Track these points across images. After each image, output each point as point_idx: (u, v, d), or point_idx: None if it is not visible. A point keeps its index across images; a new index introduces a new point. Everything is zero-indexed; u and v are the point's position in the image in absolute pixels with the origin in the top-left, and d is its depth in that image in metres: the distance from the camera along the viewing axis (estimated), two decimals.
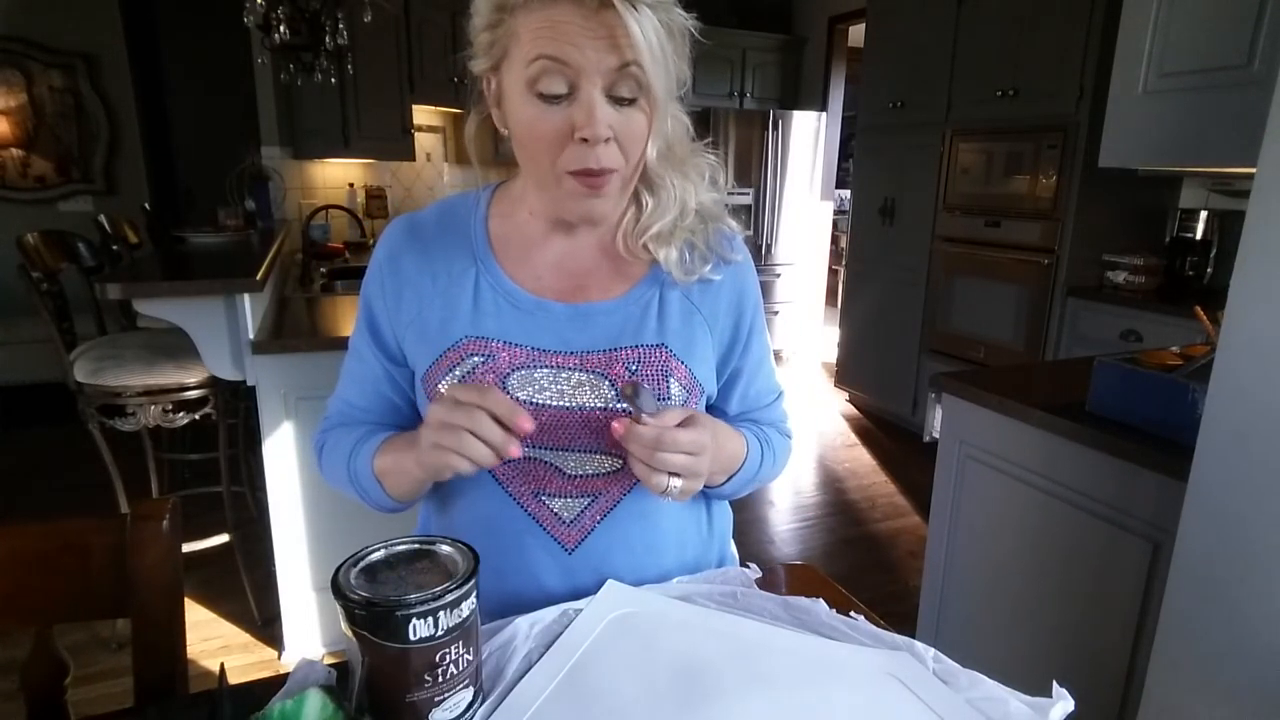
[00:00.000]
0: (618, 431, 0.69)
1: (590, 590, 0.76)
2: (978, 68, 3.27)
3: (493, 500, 0.78)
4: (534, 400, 0.75)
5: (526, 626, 0.69)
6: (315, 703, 0.54)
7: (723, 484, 0.83)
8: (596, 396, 0.76)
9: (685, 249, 0.80)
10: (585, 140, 0.66)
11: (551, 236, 0.80)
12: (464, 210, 0.83)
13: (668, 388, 0.77)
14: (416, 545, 0.59)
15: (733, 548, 0.96)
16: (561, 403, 0.75)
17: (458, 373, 0.75)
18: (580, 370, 0.76)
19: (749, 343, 0.86)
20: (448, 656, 0.54)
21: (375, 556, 0.58)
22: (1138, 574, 1.24)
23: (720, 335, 0.83)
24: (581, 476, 0.77)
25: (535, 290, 0.78)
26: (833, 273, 5.82)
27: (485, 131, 0.78)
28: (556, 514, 0.78)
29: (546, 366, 0.76)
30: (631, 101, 0.66)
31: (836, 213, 5.56)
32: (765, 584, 0.80)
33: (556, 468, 0.77)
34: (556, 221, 0.78)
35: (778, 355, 5.33)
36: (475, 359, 0.75)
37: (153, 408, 1.87)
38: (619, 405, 0.76)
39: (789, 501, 3.13)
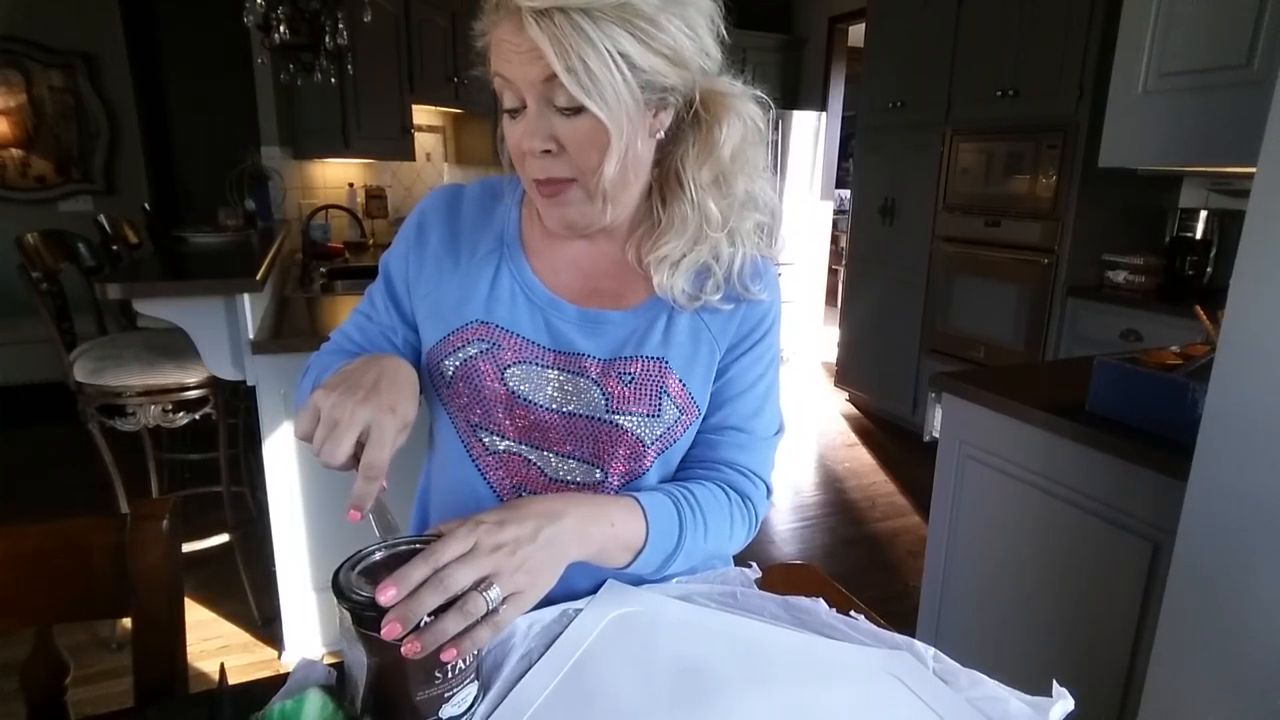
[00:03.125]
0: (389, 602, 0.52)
1: (560, 595, 0.72)
2: (978, 68, 3.27)
3: (474, 491, 0.79)
4: (528, 398, 0.76)
5: (525, 626, 0.69)
6: (315, 703, 0.54)
7: (629, 563, 0.70)
8: (585, 404, 0.76)
9: (697, 274, 0.77)
10: (526, 151, 0.68)
11: (573, 239, 0.80)
12: (502, 193, 0.83)
13: (659, 405, 0.76)
14: (418, 545, 0.59)
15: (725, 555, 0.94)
16: (550, 405, 0.76)
17: (462, 355, 0.76)
18: (579, 375, 0.76)
19: (749, 355, 0.81)
20: None
21: (376, 558, 0.58)
22: (1138, 574, 1.24)
23: (724, 349, 0.80)
24: (560, 481, 0.77)
25: (552, 286, 0.79)
26: (833, 273, 5.81)
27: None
28: None
29: (546, 365, 0.76)
30: (578, 111, 0.65)
31: (836, 212, 5.56)
32: (765, 584, 0.79)
33: (538, 466, 0.77)
34: None
35: (778, 355, 5.32)
36: (480, 344, 0.76)
37: (153, 408, 1.87)
38: (605, 415, 0.75)
39: (789, 501, 3.13)
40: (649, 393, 0.75)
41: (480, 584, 0.54)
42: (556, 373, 0.76)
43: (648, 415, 0.75)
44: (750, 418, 0.81)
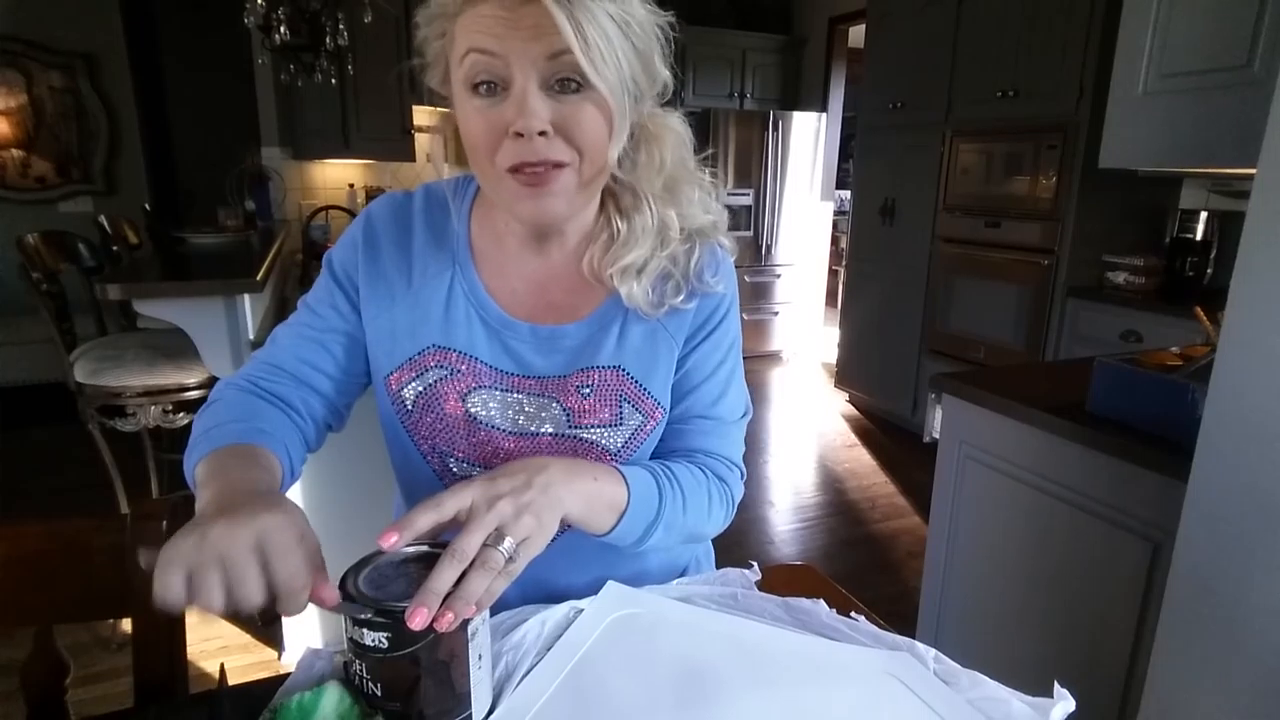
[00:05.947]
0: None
1: (563, 595, 0.74)
2: (978, 68, 3.27)
3: None
4: (490, 423, 0.75)
5: (538, 626, 0.69)
6: (333, 696, 0.54)
7: (614, 526, 0.68)
8: (546, 422, 0.75)
9: (658, 281, 0.76)
10: (520, 134, 0.63)
11: (526, 252, 0.77)
12: (447, 204, 0.79)
13: (620, 413, 0.75)
14: (425, 548, 0.59)
15: (707, 548, 0.94)
16: (512, 429, 0.75)
17: (422, 382, 0.75)
18: (538, 395, 0.75)
19: (706, 344, 0.80)
20: (479, 639, 0.56)
21: (380, 563, 0.57)
22: (1138, 574, 1.24)
23: (681, 342, 0.79)
24: None
25: (508, 305, 0.77)
26: (833, 273, 5.82)
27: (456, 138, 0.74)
28: None
29: (506, 389, 0.76)
30: (576, 91, 0.63)
31: (836, 213, 5.56)
32: (765, 585, 0.79)
33: None
34: (530, 236, 0.75)
35: (778, 356, 5.33)
36: (440, 370, 0.75)
37: (153, 408, 1.88)
38: (568, 430, 0.75)
39: (789, 502, 3.13)
40: (609, 402, 0.75)
41: (490, 539, 0.55)
42: (517, 395, 0.75)
43: (610, 425, 0.75)
44: (714, 404, 0.81)
